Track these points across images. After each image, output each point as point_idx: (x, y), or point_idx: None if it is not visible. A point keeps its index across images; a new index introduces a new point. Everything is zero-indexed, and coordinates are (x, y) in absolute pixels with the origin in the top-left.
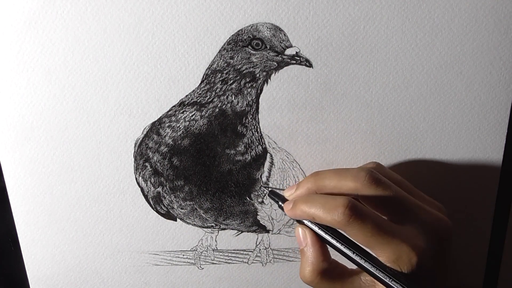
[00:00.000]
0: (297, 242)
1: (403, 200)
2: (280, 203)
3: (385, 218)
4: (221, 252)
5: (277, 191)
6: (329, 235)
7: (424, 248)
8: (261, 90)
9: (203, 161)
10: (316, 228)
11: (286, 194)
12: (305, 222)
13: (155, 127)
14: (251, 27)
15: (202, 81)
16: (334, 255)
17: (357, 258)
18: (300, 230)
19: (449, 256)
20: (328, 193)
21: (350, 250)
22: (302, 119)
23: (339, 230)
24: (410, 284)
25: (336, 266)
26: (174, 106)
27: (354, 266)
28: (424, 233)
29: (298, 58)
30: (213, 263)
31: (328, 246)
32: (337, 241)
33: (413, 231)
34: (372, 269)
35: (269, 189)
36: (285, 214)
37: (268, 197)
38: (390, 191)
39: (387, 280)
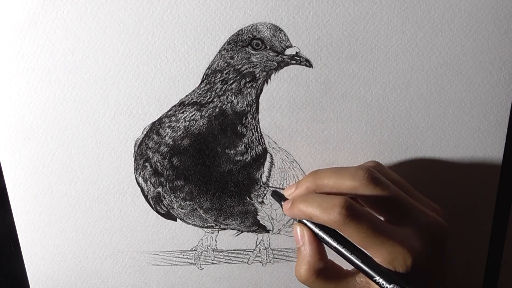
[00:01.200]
0: (295, 240)
1: (400, 201)
2: (282, 202)
3: (381, 218)
4: (221, 252)
5: (279, 190)
6: (326, 235)
7: (420, 250)
8: (261, 90)
9: (203, 161)
10: (313, 227)
11: (285, 193)
12: (304, 221)
13: (155, 127)
14: (251, 27)
15: (202, 81)
16: (331, 255)
17: (353, 258)
18: (298, 228)
19: (445, 259)
20: (327, 192)
21: (346, 249)
22: (302, 119)
23: (336, 230)
24: (405, 285)
25: (332, 266)
26: (174, 106)
27: (350, 267)
28: (420, 234)
29: (298, 58)
30: (213, 263)
31: (325, 245)
32: (334, 240)
33: (409, 233)
34: (367, 269)
35: (272, 189)
36: (285, 214)
37: (270, 196)
38: (388, 191)
39: (381, 281)
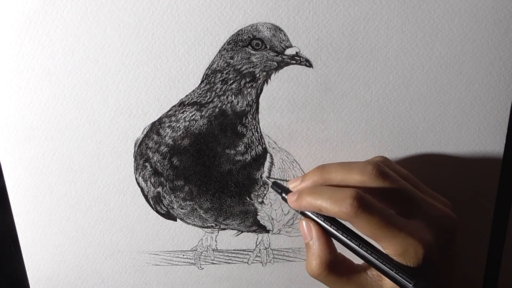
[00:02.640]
0: (302, 235)
1: (409, 194)
2: (283, 194)
3: (392, 211)
4: (221, 252)
5: (280, 182)
6: (335, 228)
7: (431, 242)
8: (261, 90)
9: (203, 161)
10: (321, 221)
11: (290, 185)
12: (310, 214)
13: (155, 127)
14: (251, 27)
15: (202, 81)
16: (341, 250)
17: (363, 251)
18: (304, 223)
19: (455, 251)
20: (334, 186)
21: (356, 243)
22: (302, 119)
23: (345, 223)
24: (416, 278)
25: (342, 260)
26: (174, 106)
27: (360, 261)
28: (431, 227)
29: (298, 58)
30: (213, 263)
31: (333, 240)
32: (343, 234)
33: (419, 225)
34: (378, 262)
35: (272, 180)
36: (289, 206)
37: (271, 188)
38: (397, 185)
39: (393, 274)
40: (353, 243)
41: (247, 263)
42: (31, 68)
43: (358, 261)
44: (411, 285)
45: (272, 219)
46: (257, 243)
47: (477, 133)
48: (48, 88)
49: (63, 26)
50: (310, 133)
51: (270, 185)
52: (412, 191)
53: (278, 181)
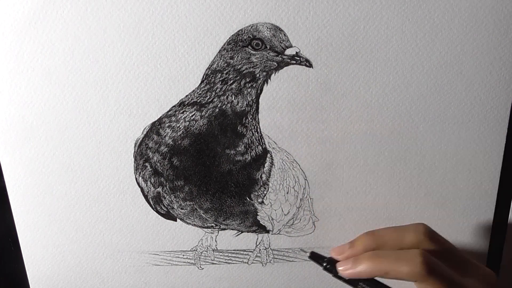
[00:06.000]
0: None
1: (458, 254)
2: (324, 264)
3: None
4: (221, 252)
5: (319, 253)
6: None
7: None
8: (261, 90)
9: (203, 161)
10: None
11: (336, 254)
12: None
13: (155, 127)
14: (251, 27)
15: (202, 81)
16: None
17: None
18: None
19: None
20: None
21: None
22: (302, 119)
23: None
24: None
25: None
26: (174, 106)
27: None
28: (482, 285)
29: (298, 58)
30: (213, 263)
31: None
32: None
33: (474, 283)
34: None
35: (309, 251)
36: (333, 277)
37: (309, 259)
38: (448, 245)
39: None
40: None
41: (247, 263)
42: (31, 68)
43: None
44: None
45: (272, 219)
46: (257, 243)
47: (477, 133)
48: (48, 88)
49: (63, 26)
50: (310, 133)
51: (308, 256)
52: (459, 251)
53: (315, 252)
